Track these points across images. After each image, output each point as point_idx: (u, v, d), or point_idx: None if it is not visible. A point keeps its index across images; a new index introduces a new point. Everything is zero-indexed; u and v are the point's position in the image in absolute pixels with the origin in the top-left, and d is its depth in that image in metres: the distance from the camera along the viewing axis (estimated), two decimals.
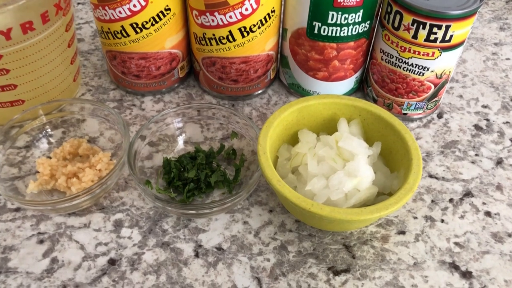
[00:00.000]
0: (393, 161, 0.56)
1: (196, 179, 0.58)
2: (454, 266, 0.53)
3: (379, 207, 0.47)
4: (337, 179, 0.51)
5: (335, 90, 0.68)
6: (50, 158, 0.60)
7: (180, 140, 0.64)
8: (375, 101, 0.68)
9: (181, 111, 0.63)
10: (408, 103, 0.66)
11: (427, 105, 0.66)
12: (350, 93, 0.71)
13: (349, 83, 0.69)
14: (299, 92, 0.70)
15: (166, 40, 0.64)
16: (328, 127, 0.60)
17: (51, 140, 0.63)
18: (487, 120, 0.70)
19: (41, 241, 0.54)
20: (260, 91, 0.71)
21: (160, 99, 0.71)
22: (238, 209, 0.57)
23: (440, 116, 0.70)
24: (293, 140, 0.59)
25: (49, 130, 0.64)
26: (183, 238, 0.55)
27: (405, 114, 0.67)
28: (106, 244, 0.54)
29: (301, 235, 0.55)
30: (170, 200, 0.56)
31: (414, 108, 0.66)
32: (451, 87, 0.75)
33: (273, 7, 0.61)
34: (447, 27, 0.56)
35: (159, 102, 0.70)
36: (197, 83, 0.73)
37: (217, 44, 0.63)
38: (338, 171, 0.52)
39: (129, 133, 0.58)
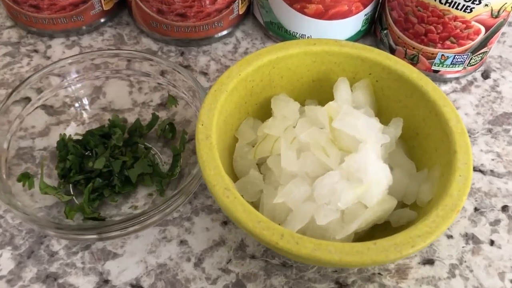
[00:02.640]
0: (421, 150, 0.35)
1: (107, 172, 0.37)
2: None
3: (400, 241, 0.27)
4: (328, 185, 0.30)
5: (333, 33, 0.46)
6: None
7: (95, 106, 0.42)
8: (392, 51, 0.46)
9: (101, 60, 0.41)
10: (442, 55, 0.43)
11: (471, 59, 0.44)
12: (356, 38, 0.48)
13: (354, 23, 0.46)
14: (281, 35, 0.48)
15: None
16: (318, 93, 0.39)
17: None
18: None
19: None
20: (223, 33, 0.48)
21: (76, 43, 0.48)
22: (172, 219, 0.37)
23: (486, 75, 0.48)
24: (263, 112, 0.38)
25: None
26: (81, 268, 0.34)
27: (436, 71, 0.45)
28: None
29: (270, 265, 0.35)
30: (41, 217, 0.34)
31: (451, 63, 0.44)
32: (503, 32, 0.52)
33: None
34: None
35: (74, 46, 0.48)
36: (132, 20, 0.50)
37: None
38: (330, 170, 0.31)
39: None
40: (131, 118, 0.42)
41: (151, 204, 0.37)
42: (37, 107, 0.39)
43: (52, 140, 0.40)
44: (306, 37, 0.46)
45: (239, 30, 0.50)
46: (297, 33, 0.46)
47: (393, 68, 0.35)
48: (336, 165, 0.31)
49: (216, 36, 0.48)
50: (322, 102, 0.38)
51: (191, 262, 0.35)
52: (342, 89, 0.36)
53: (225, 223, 0.37)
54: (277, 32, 0.48)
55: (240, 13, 0.48)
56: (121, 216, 0.36)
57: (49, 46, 0.48)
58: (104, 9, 0.48)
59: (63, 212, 0.36)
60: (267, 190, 0.33)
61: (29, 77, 0.38)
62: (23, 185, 0.35)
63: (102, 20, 0.49)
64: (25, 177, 0.35)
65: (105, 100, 0.42)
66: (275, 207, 0.31)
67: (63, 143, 0.38)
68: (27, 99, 0.38)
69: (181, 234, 0.36)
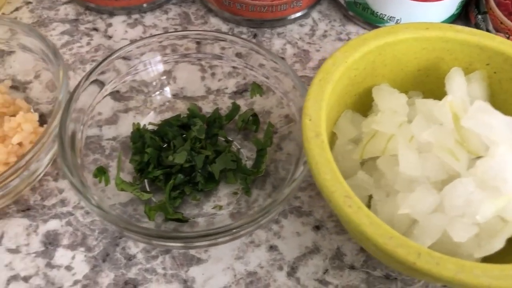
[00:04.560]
0: None
1: (188, 167, 0.33)
2: None
3: None
4: (463, 195, 0.25)
5: (424, 17, 0.41)
6: None
7: (166, 93, 0.38)
8: None
9: (169, 42, 0.37)
10: None
11: None
12: (448, 23, 0.43)
13: (449, 6, 0.42)
14: (365, 17, 0.43)
15: None
16: (423, 83, 0.34)
17: None
18: None
19: None
20: (299, 14, 0.44)
21: (138, 21, 0.44)
22: (251, 214, 0.33)
23: None
24: (361, 103, 0.33)
25: None
26: (162, 274, 0.31)
27: None
28: (26, 280, 0.31)
29: (372, 277, 0.31)
30: (124, 219, 0.30)
31: None
32: None
33: None
34: None
35: (136, 25, 0.44)
36: None
37: None
38: (456, 175, 0.27)
39: (63, 71, 0.32)
40: (205, 107, 0.38)
41: (236, 204, 0.33)
42: (106, 95, 0.35)
43: (122, 129, 0.36)
44: (395, 20, 0.42)
45: (315, 11, 0.45)
46: (385, 15, 0.42)
47: None
48: (464, 171, 0.27)
49: (291, 17, 0.43)
50: (426, 94, 0.34)
51: (283, 271, 0.31)
52: (456, 80, 0.31)
53: (317, 227, 0.33)
54: (360, 14, 0.43)
55: None
56: (204, 216, 0.33)
57: (109, 24, 0.44)
58: None
59: (142, 211, 0.32)
60: (378, 196, 0.29)
61: (101, 62, 0.34)
62: (100, 181, 0.32)
63: None
64: (101, 172, 0.32)
65: (175, 86, 0.38)
66: (394, 217, 0.27)
67: (139, 133, 0.34)
68: (99, 85, 0.34)
69: (270, 239, 0.32)
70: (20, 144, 0.32)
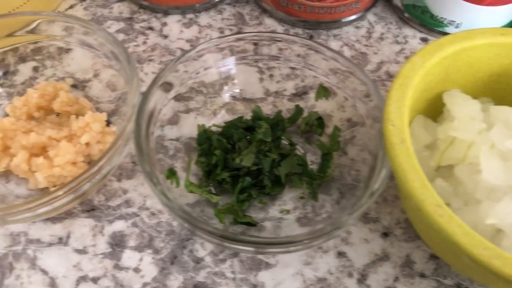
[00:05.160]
0: None
1: (255, 170, 0.32)
2: None
3: None
4: None
5: (486, 22, 0.41)
6: (7, 115, 0.36)
7: (225, 95, 0.38)
8: None
9: (228, 43, 0.37)
10: None
11: None
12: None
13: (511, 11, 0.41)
14: (423, 20, 0.42)
15: None
16: (493, 90, 0.34)
17: (14, 81, 0.38)
18: None
19: None
20: (355, 16, 0.43)
21: (193, 21, 0.44)
22: (319, 220, 0.33)
23: None
24: (431, 109, 0.33)
25: (10, 64, 0.38)
26: (231, 278, 0.31)
27: None
28: (95, 281, 0.30)
29: (443, 286, 0.31)
30: (206, 223, 0.30)
31: None
32: None
33: None
34: None
35: (192, 25, 0.44)
36: None
37: None
38: None
39: (137, 77, 0.32)
40: (264, 109, 0.38)
41: (302, 208, 0.33)
42: (171, 98, 0.35)
43: (184, 129, 0.36)
44: (455, 24, 0.41)
45: (370, 13, 0.45)
46: (445, 19, 0.41)
47: None
48: None
49: (347, 19, 0.43)
50: (496, 101, 0.33)
51: (353, 278, 0.31)
52: None
53: (385, 234, 0.32)
54: (418, 17, 0.42)
55: None
56: (270, 220, 0.32)
57: (164, 24, 0.43)
58: None
59: (209, 213, 0.32)
60: (457, 204, 0.28)
61: (168, 65, 0.33)
62: (171, 183, 0.31)
63: None
64: (172, 174, 0.31)
65: (234, 87, 0.38)
66: (476, 226, 0.27)
67: (205, 135, 0.34)
68: (167, 88, 0.34)
69: (338, 245, 0.32)
70: (87, 144, 0.32)
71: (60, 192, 0.28)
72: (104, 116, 0.32)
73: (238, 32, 0.43)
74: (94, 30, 0.34)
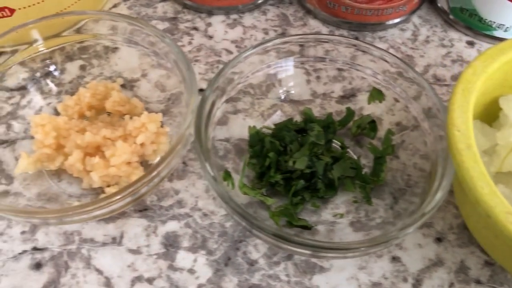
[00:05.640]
0: None
1: (308, 173, 0.32)
2: None
3: None
4: None
5: None
6: (58, 114, 0.36)
7: (273, 96, 0.38)
8: None
9: (274, 46, 0.36)
10: None
11: None
12: None
13: None
14: (471, 23, 0.42)
15: None
16: None
17: (62, 79, 0.38)
18: None
19: (37, 265, 0.31)
20: (400, 18, 0.43)
21: (237, 22, 0.44)
22: (373, 225, 0.33)
23: None
24: (486, 114, 0.33)
25: (57, 62, 0.38)
26: (286, 281, 0.31)
27: None
28: (150, 281, 0.30)
29: None
30: (273, 228, 0.28)
31: None
32: None
33: None
34: None
35: (236, 26, 0.43)
36: None
37: None
38: None
39: (195, 81, 0.32)
40: (312, 111, 0.37)
41: (355, 212, 0.33)
42: (224, 101, 0.35)
43: (233, 130, 0.36)
44: (504, 28, 0.40)
45: (415, 16, 0.44)
46: (493, 22, 0.40)
47: None
48: None
49: (392, 21, 0.43)
50: None
51: (408, 283, 0.31)
52: None
53: (438, 239, 0.32)
54: (465, 20, 0.42)
55: None
56: (323, 224, 0.32)
57: (209, 24, 0.43)
58: None
59: (261, 215, 0.32)
60: None
61: (222, 70, 0.33)
62: (228, 184, 0.31)
63: None
64: (228, 175, 0.31)
65: (282, 89, 0.38)
66: None
67: (258, 137, 0.34)
68: (220, 92, 0.34)
69: (391, 250, 0.32)
70: (141, 144, 0.32)
71: (118, 196, 0.28)
72: (159, 117, 0.32)
73: (283, 35, 0.43)
74: (145, 29, 0.34)
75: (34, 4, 0.37)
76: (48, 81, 0.38)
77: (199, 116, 0.30)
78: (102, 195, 0.31)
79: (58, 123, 0.33)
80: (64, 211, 0.28)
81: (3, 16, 0.35)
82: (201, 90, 0.38)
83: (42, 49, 0.37)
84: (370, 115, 0.36)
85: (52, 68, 0.38)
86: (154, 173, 0.28)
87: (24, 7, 0.36)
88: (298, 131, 0.35)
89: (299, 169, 0.32)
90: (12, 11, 0.35)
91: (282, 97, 0.38)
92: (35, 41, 0.36)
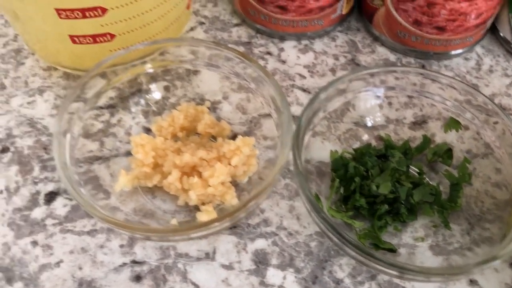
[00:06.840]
0: None
1: (391, 198, 0.34)
2: None
3: None
4: None
5: None
6: (148, 133, 0.38)
7: (347, 121, 0.40)
8: None
9: (359, 76, 0.38)
10: None
11: None
12: None
13: None
14: None
15: None
16: None
17: (148, 99, 0.41)
18: None
19: (137, 278, 0.33)
20: (463, 49, 0.45)
21: (309, 47, 0.46)
22: (452, 250, 0.34)
23: None
24: None
25: (142, 83, 0.41)
26: None
27: None
28: None
29: None
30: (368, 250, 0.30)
31: None
32: None
33: None
34: None
35: (307, 51, 0.46)
36: (364, 25, 0.47)
37: None
38: None
39: (289, 109, 0.34)
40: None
41: (433, 236, 0.35)
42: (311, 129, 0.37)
43: (313, 153, 0.37)
44: None
45: (478, 46, 0.46)
46: None
47: None
48: None
49: (456, 52, 0.45)
50: None
51: None
52: None
53: None
54: None
55: (487, 28, 0.45)
56: (404, 247, 0.34)
57: (281, 49, 0.45)
58: (343, 13, 0.45)
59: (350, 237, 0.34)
60: None
61: (310, 103, 0.35)
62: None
63: (333, 25, 0.46)
64: (318, 198, 0.33)
65: (355, 113, 0.40)
66: None
67: (342, 162, 0.36)
68: (309, 120, 0.36)
69: None
70: (235, 166, 0.34)
71: (220, 221, 0.30)
72: (252, 141, 0.35)
73: (356, 66, 0.45)
74: (227, 52, 0.37)
75: (133, 30, 0.38)
76: (135, 101, 0.40)
77: (296, 142, 0.32)
78: (199, 214, 0.33)
79: (156, 144, 0.35)
80: (168, 232, 0.30)
81: (104, 41, 0.37)
82: None
83: (132, 72, 0.39)
84: (447, 143, 0.37)
85: (138, 88, 0.40)
86: (254, 201, 0.30)
87: (125, 33, 0.38)
88: (378, 156, 0.37)
89: (383, 194, 0.34)
90: (112, 36, 0.37)
91: (357, 122, 0.40)
92: (127, 62, 0.39)
